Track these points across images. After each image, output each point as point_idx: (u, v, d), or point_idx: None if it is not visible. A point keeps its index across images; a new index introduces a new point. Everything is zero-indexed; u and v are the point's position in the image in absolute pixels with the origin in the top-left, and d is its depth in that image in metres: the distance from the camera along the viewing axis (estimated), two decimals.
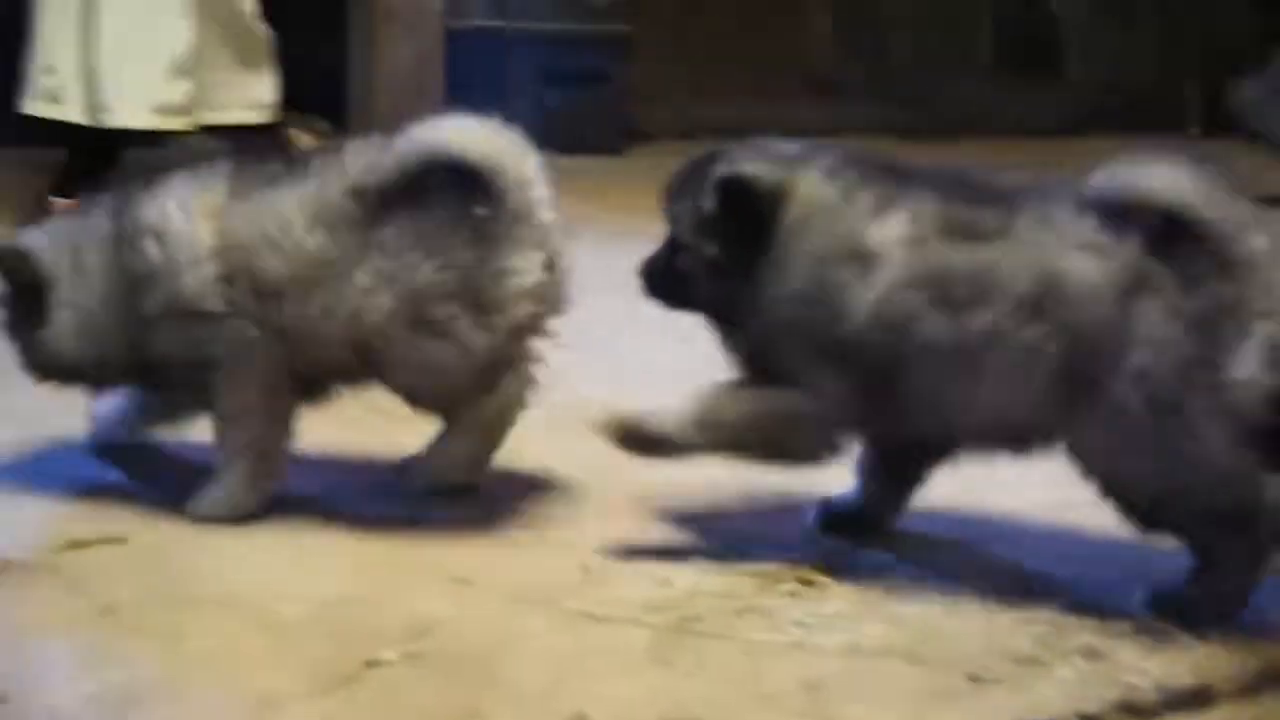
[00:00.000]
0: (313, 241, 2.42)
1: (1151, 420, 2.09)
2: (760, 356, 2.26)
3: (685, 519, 2.53)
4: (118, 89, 5.02)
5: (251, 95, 5.22)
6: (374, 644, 2.04)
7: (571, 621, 2.14)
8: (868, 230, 2.18)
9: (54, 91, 5.07)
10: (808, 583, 2.28)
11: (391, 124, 2.51)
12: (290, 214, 2.43)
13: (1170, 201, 2.10)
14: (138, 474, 2.68)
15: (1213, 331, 2.08)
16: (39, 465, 2.71)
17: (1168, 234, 2.10)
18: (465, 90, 6.71)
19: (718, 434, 2.26)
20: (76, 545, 2.33)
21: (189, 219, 2.46)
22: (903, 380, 2.19)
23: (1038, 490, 2.47)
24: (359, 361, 2.46)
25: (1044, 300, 2.12)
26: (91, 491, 2.62)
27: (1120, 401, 2.10)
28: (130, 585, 2.22)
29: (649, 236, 2.42)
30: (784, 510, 2.56)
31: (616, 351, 3.42)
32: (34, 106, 5.08)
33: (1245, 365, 2.07)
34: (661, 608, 2.18)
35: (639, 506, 2.56)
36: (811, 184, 2.22)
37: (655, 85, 7.47)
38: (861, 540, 2.42)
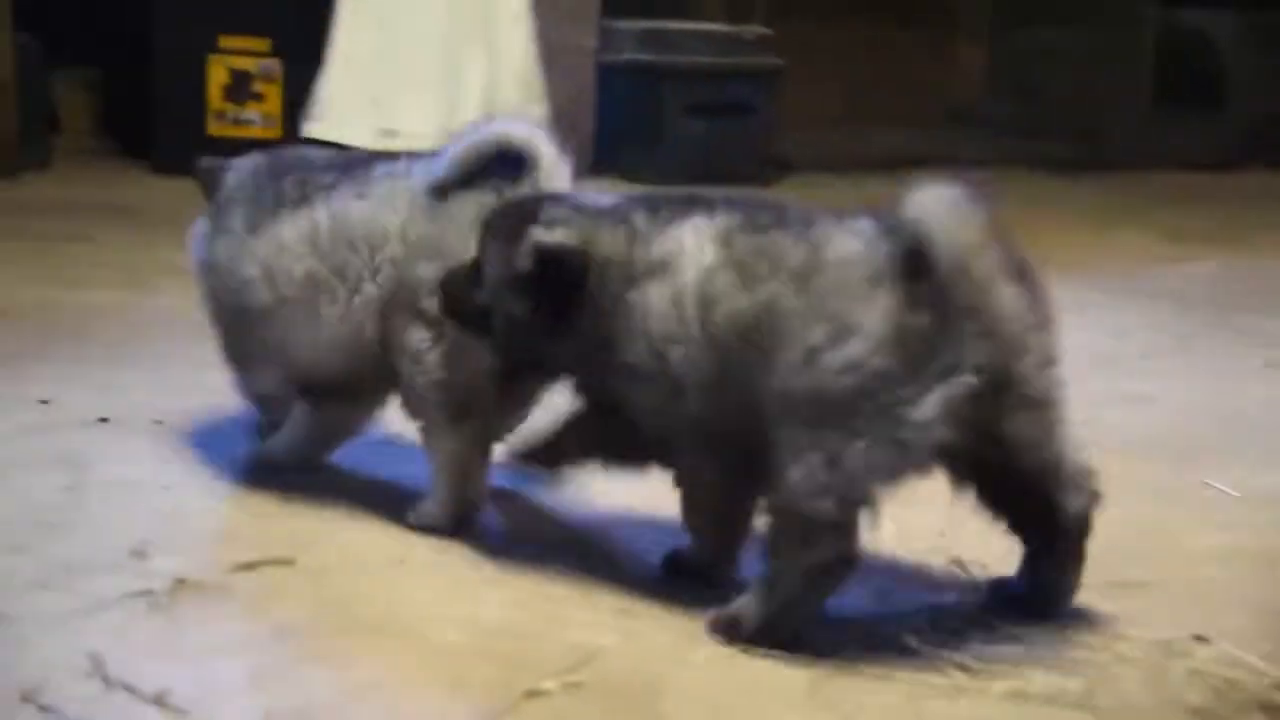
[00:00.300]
0: (301, 267, 2.61)
1: (829, 407, 2.08)
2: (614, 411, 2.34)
3: None
4: (407, 115, 5.43)
5: None
6: (535, 673, 2.05)
7: (732, 656, 2.14)
8: (653, 247, 2.25)
9: (342, 116, 5.46)
10: (964, 625, 2.24)
11: None
12: (287, 242, 2.63)
13: (916, 224, 2.08)
14: (305, 492, 2.74)
15: (914, 356, 2.06)
16: (209, 484, 2.78)
17: (915, 249, 2.09)
18: (616, 123, 6.79)
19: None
20: (246, 566, 2.39)
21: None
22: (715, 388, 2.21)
23: (1215, 534, 2.42)
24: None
25: (808, 271, 2.14)
26: (259, 512, 2.68)
27: (821, 380, 2.09)
28: (299, 608, 2.27)
29: None
30: (935, 553, 2.53)
31: None
32: (317, 129, 5.41)
33: (927, 407, 2.06)
34: (822, 646, 2.17)
35: None
36: (605, 242, 2.29)
37: (803, 117, 7.47)
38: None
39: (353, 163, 2.71)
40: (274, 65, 6.28)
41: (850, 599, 2.32)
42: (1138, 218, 6.22)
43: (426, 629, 2.20)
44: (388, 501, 2.66)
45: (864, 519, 2.12)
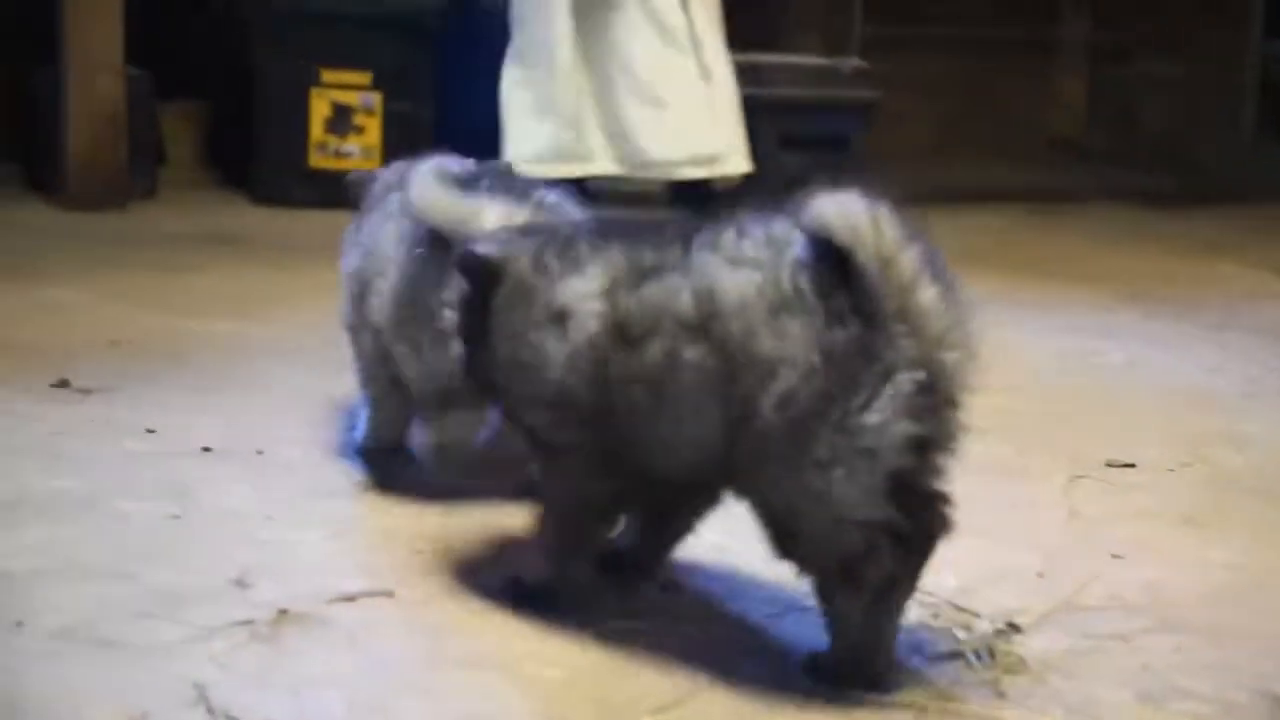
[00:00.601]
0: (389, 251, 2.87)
1: (787, 446, 2.05)
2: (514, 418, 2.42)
3: (934, 595, 2.49)
4: (653, 143, 5.55)
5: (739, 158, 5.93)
6: (631, 710, 2.06)
7: (827, 696, 2.13)
8: (553, 292, 2.28)
9: (575, 151, 5.62)
10: (1057, 662, 2.22)
11: None
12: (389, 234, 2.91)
13: (835, 231, 2.04)
14: (405, 525, 2.77)
15: (850, 369, 2.03)
16: (310, 514, 2.82)
17: (826, 260, 2.05)
18: None
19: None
20: (347, 598, 2.42)
21: None
22: (615, 429, 2.23)
23: None
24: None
25: (704, 319, 2.12)
26: (359, 543, 2.72)
27: (766, 423, 2.07)
28: (398, 640, 2.29)
29: None
30: (1031, 595, 2.50)
31: None
32: (547, 168, 5.43)
33: (880, 410, 2.02)
34: (921, 685, 2.15)
35: None
36: (520, 265, 2.33)
37: (899, 149, 7.44)
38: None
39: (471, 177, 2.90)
40: (374, 98, 6.39)
41: (940, 640, 2.31)
42: (1237, 251, 6.12)
43: (524, 664, 2.21)
44: (487, 535, 2.68)
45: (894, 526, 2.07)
